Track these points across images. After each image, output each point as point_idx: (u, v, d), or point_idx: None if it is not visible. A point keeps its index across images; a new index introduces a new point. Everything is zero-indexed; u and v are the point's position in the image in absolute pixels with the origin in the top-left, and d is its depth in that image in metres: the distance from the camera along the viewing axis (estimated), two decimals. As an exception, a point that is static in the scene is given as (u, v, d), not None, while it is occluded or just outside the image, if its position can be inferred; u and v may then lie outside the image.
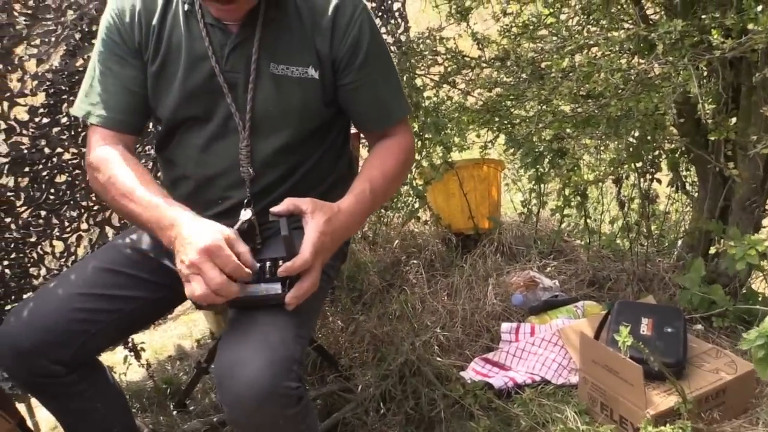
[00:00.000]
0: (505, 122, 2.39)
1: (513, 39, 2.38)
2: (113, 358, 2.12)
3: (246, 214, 1.25)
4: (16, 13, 1.57)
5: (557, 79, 2.02)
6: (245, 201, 1.29)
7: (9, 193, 1.71)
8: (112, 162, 1.24)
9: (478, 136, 2.43)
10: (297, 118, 1.29)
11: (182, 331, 2.70)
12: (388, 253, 2.50)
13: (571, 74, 1.97)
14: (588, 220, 2.41)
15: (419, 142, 2.51)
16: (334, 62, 1.29)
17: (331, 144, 1.40)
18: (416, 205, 2.51)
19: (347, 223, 1.19)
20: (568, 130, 2.07)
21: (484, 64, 2.44)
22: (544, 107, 2.17)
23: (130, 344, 2.05)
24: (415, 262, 2.42)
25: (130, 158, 1.26)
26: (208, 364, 1.94)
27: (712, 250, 1.51)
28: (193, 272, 1.06)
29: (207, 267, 1.04)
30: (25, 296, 1.80)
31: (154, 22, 1.27)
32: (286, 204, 1.13)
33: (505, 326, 2.00)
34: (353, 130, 1.56)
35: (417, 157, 2.59)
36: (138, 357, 2.10)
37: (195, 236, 1.06)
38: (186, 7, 1.26)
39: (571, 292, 2.21)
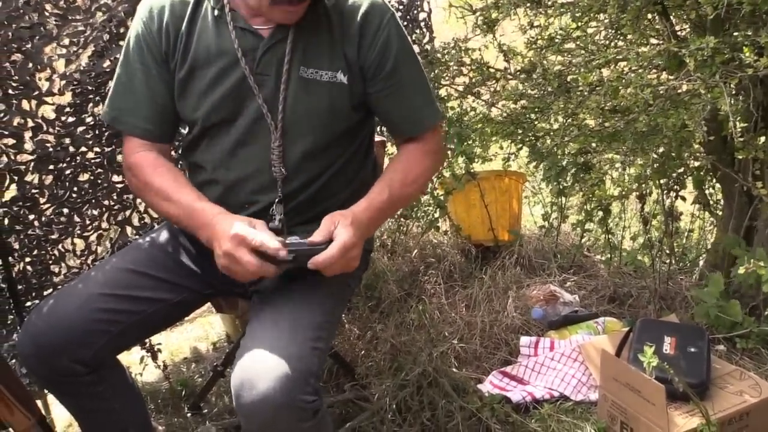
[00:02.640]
0: (529, 135, 2.38)
1: (539, 51, 2.37)
2: (129, 358, 2.12)
3: (278, 212, 1.29)
4: (47, 13, 1.59)
5: (584, 93, 2.00)
6: (276, 200, 1.31)
7: (33, 191, 1.73)
8: (146, 168, 1.30)
9: (501, 147, 2.42)
10: (325, 120, 1.31)
11: (199, 333, 2.71)
12: (406, 262, 2.49)
13: (598, 88, 1.96)
14: (609, 236, 2.38)
15: (442, 152, 2.50)
16: (362, 69, 1.30)
17: (357, 149, 1.41)
18: (436, 215, 2.50)
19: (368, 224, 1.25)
20: (593, 145, 2.05)
21: (509, 76, 2.43)
22: (569, 121, 2.15)
23: (147, 345, 2.05)
24: (433, 272, 2.40)
25: (163, 163, 1.32)
26: (224, 368, 1.94)
27: (741, 271, 1.48)
28: (230, 261, 1.13)
29: (241, 252, 1.12)
30: (45, 293, 1.81)
31: (183, 29, 1.29)
32: (324, 234, 1.17)
33: (524, 340, 1.98)
34: (378, 138, 1.56)
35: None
36: (155, 358, 2.10)
37: (224, 229, 1.14)
38: (216, 12, 1.28)
39: (592, 308, 2.18)
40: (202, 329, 2.74)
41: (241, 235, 1.12)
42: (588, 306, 2.20)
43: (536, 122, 2.37)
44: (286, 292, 1.28)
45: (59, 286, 1.83)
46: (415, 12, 2.68)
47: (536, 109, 2.31)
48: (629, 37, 2.23)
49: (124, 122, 1.33)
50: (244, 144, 1.30)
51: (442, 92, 2.64)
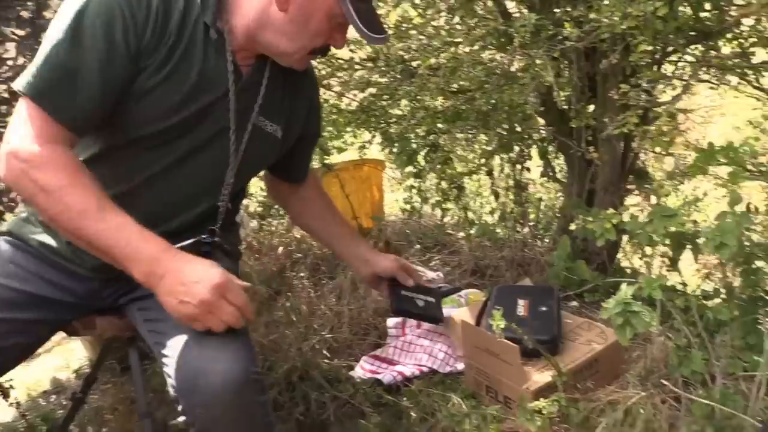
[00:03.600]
0: (381, 121, 2.42)
1: (383, 40, 2.40)
2: (-22, 399, 1.94)
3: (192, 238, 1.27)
4: None
5: (425, 76, 2.06)
6: (211, 229, 1.30)
7: None
8: (66, 168, 1.08)
9: (356, 136, 2.44)
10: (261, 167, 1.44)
11: (58, 362, 2.54)
12: (273, 260, 2.45)
13: (438, 71, 2.02)
14: (468, 212, 2.47)
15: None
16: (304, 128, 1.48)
17: None
18: (299, 210, 2.48)
19: None
20: (439, 125, 2.12)
21: (357, 66, 2.46)
22: (415, 104, 2.21)
23: (-5, 385, 1.89)
24: (300, 267, 2.39)
25: (85, 169, 1.12)
26: (84, 395, 1.82)
27: (572, 227, 1.59)
28: (203, 310, 1.07)
29: (222, 303, 1.07)
30: None
31: (172, 29, 1.16)
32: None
33: (390, 321, 2.01)
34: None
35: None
36: (6, 396, 1.94)
37: (202, 276, 1.07)
38: (213, 35, 1.20)
39: (455, 283, 2.25)
40: (62, 358, 2.56)
41: (223, 285, 1.07)
42: (452, 281, 2.26)
43: (387, 108, 2.42)
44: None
45: None
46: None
47: (385, 96, 2.36)
48: (465, 20, 2.33)
49: (54, 102, 1.08)
50: (188, 166, 1.26)
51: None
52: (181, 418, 1.47)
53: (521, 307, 1.76)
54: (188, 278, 1.06)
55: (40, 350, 2.51)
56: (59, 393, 2.34)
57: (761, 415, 1.38)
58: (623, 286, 1.28)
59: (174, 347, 1.14)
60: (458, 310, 1.96)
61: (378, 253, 1.69)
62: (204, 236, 1.27)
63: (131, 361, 1.50)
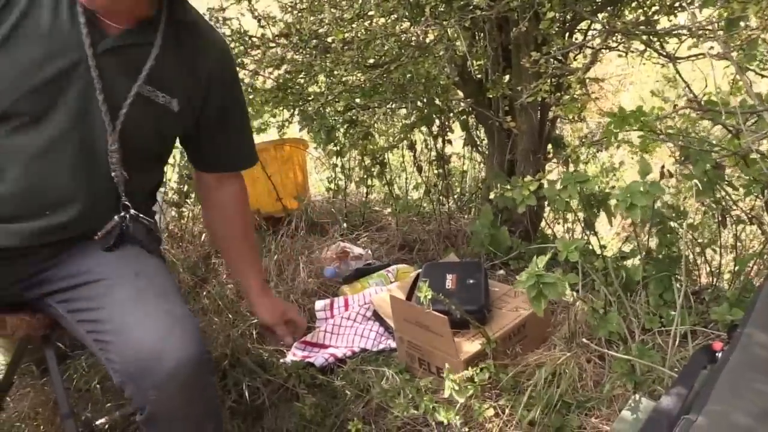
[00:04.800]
0: (299, 99, 2.37)
1: (296, 15, 2.35)
2: None
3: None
4: None
5: (340, 50, 2.02)
6: (122, 204, 1.22)
7: None
8: None
9: (274, 116, 2.38)
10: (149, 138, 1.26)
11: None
12: (196, 248, 2.38)
13: (352, 44, 1.99)
14: (393, 188, 2.46)
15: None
16: (205, 98, 1.32)
17: None
18: (219, 195, 2.41)
19: None
20: (357, 101, 2.09)
21: (270, 43, 2.39)
22: (332, 80, 2.17)
23: None
24: (225, 252, 2.32)
25: None
26: (0, 401, 1.72)
27: (491, 195, 1.61)
28: None
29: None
30: None
31: None
32: None
33: (318, 304, 1.99)
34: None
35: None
36: None
37: None
38: None
39: (383, 259, 2.25)
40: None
41: None
42: (380, 258, 2.27)
43: (305, 86, 2.37)
44: (122, 277, 1.19)
45: None
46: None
47: (302, 73, 2.30)
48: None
49: None
50: (57, 147, 1.13)
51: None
52: (118, 413, 1.43)
53: (450, 282, 1.78)
54: None
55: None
56: (-26, 402, 2.20)
57: (678, 366, 1.45)
58: (535, 258, 1.31)
59: (116, 332, 1.10)
60: (386, 289, 1.96)
61: (264, 301, 1.49)
62: (121, 215, 1.22)
63: (48, 361, 1.42)
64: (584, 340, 1.54)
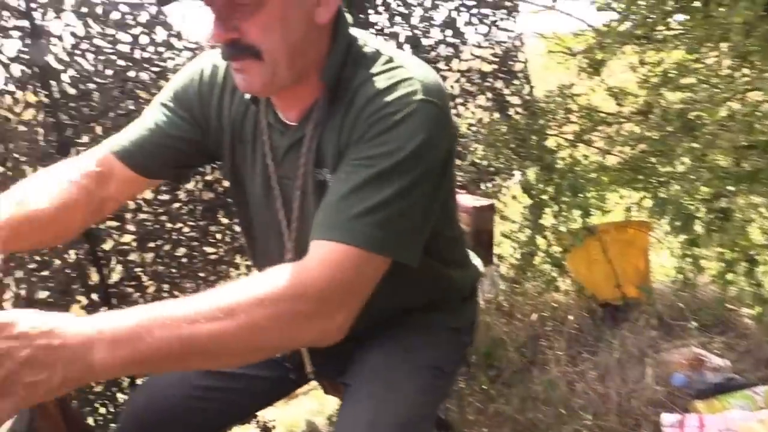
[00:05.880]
0: (651, 181, 2.18)
1: (654, 90, 2.20)
2: (245, 436, 2.08)
3: None
4: (141, 101, 1.64)
5: (713, 130, 1.80)
6: None
7: (137, 269, 1.76)
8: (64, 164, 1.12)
9: (621, 197, 2.23)
10: None
11: (313, 406, 2.64)
12: (525, 326, 2.31)
13: (730, 124, 1.75)
14: (760, 288, 2.09)
15: (556, 206, 2.34)
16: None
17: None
18: (554, 274, 2.32)
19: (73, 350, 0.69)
20: (729, 188, 1.82)
21: (623, 120, 2.27)
22: (696, 163, 1.94)
23: (260, 421, 2.02)
24: (556, 336, 2.21)
25: (71, 168, 1.09)
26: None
27: None
28: None
29: None
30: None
31: (215, 96, 1.10)
32: None
33: (667, 418, 1.72)
34: (483, 201, 1.43)
35: (553, 221, 2.41)
36: (267, 433, 2.06)
37: None
38: (250, 102, 1.06)
39: (746, 374, 1.90)
40: (318, 402, 2.67)
41: None
42: (741, 372, 1.91)
43: (658, 166, 2.18)
44: (369, 381, 1.12)
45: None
46: (511, 63, 2.58)
47: (657, 153, 2.12)
48: (758, 64, 2.02)
49: (112, 140, 1.12)
50: (268, 247, 1.15)
51: (551, 142, 2.51)
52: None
53: None
54: None
55: (298, 391, 2.67)
56: (312, 438, 2.42)
57: None
58: None
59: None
60: (753, 414, 1.63)
61: None
62: None
63: None
64: None
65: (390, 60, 0.96)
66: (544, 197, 2.34)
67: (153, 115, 1.11)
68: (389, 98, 0.90)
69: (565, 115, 2.42)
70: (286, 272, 0.81)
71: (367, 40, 1.00)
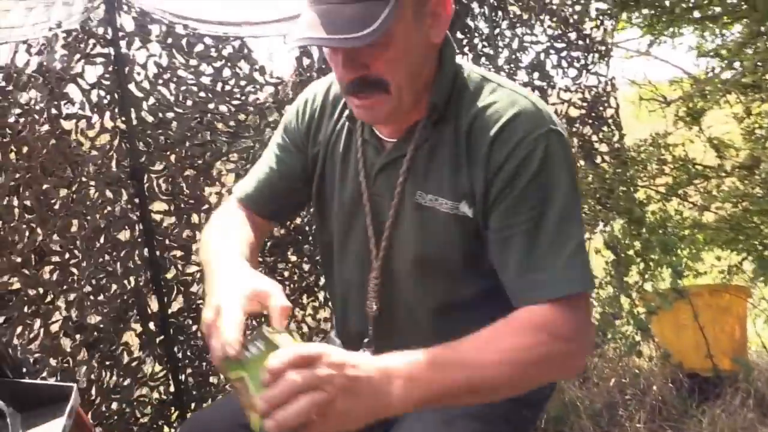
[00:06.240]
0: (754, 242, 1.97)
1: (760, 143, 2.02)
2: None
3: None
4: (218, 132, 1.64)
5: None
6: (365, 341, 1.09)
7: (199, 301, 1.73)
8: (225, 210, 1.15)
9: (718, 258, 2.03)
10: (440, 260, 1.01)
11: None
12: (602, 392, 2.12)
13: None
14: None
15: (643, 264, 2.16)
16: (486, 199, 0.95)
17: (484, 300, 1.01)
18: (637, 338, 2.13)
19: (376, 390, 0.75)
20: None
21: (724, 174, 2.08)
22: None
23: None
24: (636, 406, 2.01)
25: (245, 217, 1.13)
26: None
27: None
28: (208, 331, 0.86)
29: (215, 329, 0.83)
30: (204, 405, 1.78)
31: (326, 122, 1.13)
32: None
33: None
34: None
35: (638, 279, 2.23)
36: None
37: (218, 291, 0.90)
38: (345, 120, 1.08)
39: None
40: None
41: (219, 309, 0.83)
42: None
43: (762, 227, 1.97)
44: None
45: (218, 396, 1.80)
46: (601, 108, 2.45)
47: (762, 212, 1.92)
48: None
49: (240, 189, 1.17)
50: (352, 266, 1.10)
51: (641, 194, 2.34)
52: None
53: None
54: (213, 291, 0.92)
55: None
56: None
57: None
58: None
59: None
60: None
61: None
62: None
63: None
64: None
65: (499, 86, 0.97)
66: (630, 253, 2.17)
67: (269, 158, 1.16)
68: (519, 131, 0.92)
69: (658, 166, 2.26)
70: (538, 318, 0.88)
71: (470, 65, 1.01)
